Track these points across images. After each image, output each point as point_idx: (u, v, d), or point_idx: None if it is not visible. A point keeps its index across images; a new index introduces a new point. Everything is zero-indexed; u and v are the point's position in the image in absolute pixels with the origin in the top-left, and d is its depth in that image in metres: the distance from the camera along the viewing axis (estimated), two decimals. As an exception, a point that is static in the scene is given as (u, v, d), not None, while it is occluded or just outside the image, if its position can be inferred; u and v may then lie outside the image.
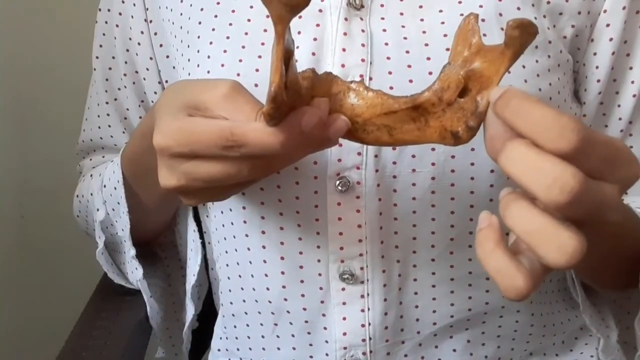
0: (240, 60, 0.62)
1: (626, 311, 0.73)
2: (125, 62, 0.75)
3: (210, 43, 0.64)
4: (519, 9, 0.62)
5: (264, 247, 0.65)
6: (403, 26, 0.62)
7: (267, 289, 0.66)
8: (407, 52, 0.61)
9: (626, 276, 0.61)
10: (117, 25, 0.74)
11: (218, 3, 0.65)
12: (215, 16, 0.65)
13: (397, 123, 0.49)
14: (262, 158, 0.49)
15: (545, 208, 0.41)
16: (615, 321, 0.72)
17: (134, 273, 0.74)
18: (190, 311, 0.74)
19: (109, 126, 0.79)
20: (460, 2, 0.62)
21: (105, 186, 0.73)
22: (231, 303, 0.71)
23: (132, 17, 0.73)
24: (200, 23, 0.66)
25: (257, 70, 0.61)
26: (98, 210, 0.74)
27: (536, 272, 0.42)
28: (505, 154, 0.41)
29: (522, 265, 0.42)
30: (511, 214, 0.42)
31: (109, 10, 0.75)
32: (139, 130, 0.68)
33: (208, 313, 0.78)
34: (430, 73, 0.59)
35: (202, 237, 0.74)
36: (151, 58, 0.73)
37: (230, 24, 0.64)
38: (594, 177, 0.41)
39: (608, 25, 0.66)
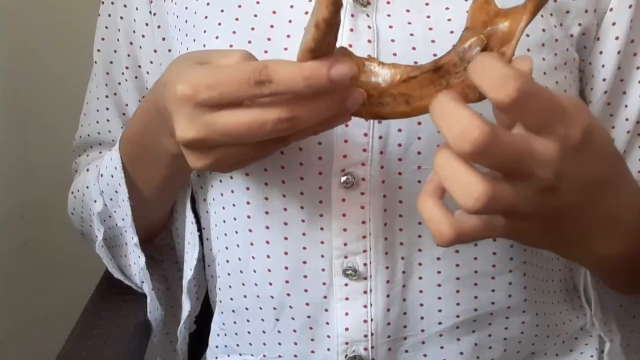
0: None
1: (632, 315, 0.73)
2: (128, 55, 0.75)
3: (217, 37, 0.64)
4: None
5: (267, 242, 0.65)
6: (409, 23, 0.62)
7: (270, 284, 0.66)
8: (414, 48, 0.61)
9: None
10: (121, 18, 0.74)
11: None
12: (222, 10, 0.65)
13: (416, 89, 0.49)
14: (285, 107, 0.50)
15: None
16: (619, 325, 0.72)
17: (137, 263, 0.74)
18: (186, 308, 0.73)
19: (108, 120, 0.79)
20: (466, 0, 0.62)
21: (102, 175, 0.72)
22: (231, 299, 0.70)
23: (136, 8, 0.72)
24: (206, 17, 0.66)
25: None
26: (95, 201, 0.73)
27: (467, 224, 0.46)
28: (432, 104, 0.44)
29: (449, 215, 0.46)
30: (435, 160, 0.45)
31: (112, 2, 0.75)
32: (140, 109, 0.68)
33: (209, 312, 0.77)
34: None
35: (199, 231, 0.73)
36: (155, 51, 0.73)
37: (237, 19, 0.64)
38: (535, 130, 0.44)
39: (614, 23, 0.66)
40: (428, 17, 0.62)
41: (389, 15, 0.62)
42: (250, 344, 0.70)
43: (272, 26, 0.63)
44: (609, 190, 0.51)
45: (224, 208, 0.68)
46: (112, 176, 0.71)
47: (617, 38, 0.66)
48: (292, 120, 0.50)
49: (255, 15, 0.63)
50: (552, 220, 0.50)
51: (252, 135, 0.51)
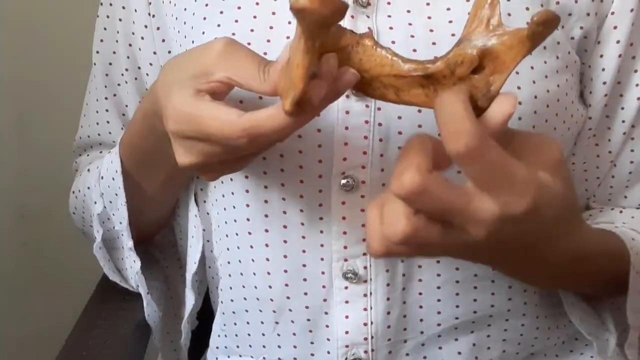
0: None
1: (623, 313, 0.73)
2: (128, 57, 0.75)
3: (215, 39, 0.64)
4: (527, 9, 0.62)
5: (267, 245, 0.65)
6: (410, 24, 0.61)
7: (270, 287, 0.66)
8: (415, 50, 0.60)
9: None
10: (120, 20, 0.74)
11: None
12: (221, 12, 0.64)
13: (405, 86, 0.50)
14: None
15: None
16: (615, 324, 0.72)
17: (132, 267, 0.74)
18: (190, 302, 0.73)
19: (108, 122, 0.78)
20: (468, 0, 0.62)
21: (102, 177, 0.72)
22: (232, 300, 0.70)
23: (135, 10, 0.72)
24: (205, 19, 0.65)
25: None
26: (95, 203, 0.73)
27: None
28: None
29: (379, 230, 0.47)
30: None
31: (111, 4, 0.74)
32: (139, 112, 0.67)
33: (209, 312, 0.77)
34: None
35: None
36: (155, 53, 0.73)
37: (236, 21, 0.63)
38: (480, 187, 0.45)
39: (615, 27, 0.66)
40: (429, 17, 0.62)
41: (389, 16, 0.62)
42: (250, 346, 0.70)
43: (271, 27, 0.62)
44: (546, 245, 0.52)
45: (225, 209, 0.67)
46: (112, 179, 0.71)
47: (618, 42, 0.66)
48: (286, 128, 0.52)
49: (255, 17, 0.63)
50: (482, 260, 0.52)
51: (249, 150, 0.53)
